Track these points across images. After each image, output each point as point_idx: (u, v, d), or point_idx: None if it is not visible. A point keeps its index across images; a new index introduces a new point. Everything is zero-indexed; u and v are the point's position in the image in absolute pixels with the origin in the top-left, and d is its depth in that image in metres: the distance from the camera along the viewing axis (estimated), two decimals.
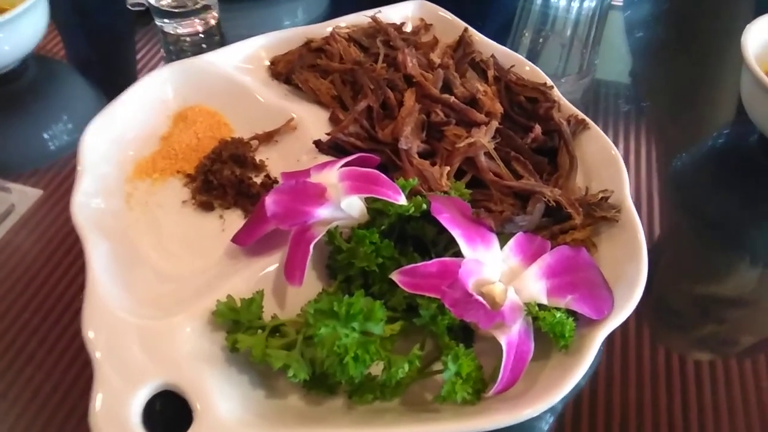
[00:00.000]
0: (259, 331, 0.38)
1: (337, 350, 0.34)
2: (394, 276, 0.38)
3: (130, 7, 0.73)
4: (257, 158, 0.52)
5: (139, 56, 0.70)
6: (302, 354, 0.36)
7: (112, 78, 0.67)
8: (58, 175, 0.55)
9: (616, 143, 0.52)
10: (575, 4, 0.80)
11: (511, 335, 0.37)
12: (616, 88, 0.67)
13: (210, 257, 0.45)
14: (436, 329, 0.37)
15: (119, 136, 0.52)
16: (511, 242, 0.41)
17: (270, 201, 0.41)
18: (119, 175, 0.50)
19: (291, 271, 0.41)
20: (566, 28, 0.79)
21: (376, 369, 0.37)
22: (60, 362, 0.42)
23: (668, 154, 0.59)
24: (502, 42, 0.61)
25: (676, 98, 0.67)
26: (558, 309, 0.38)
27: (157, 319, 0.39)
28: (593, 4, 0.79)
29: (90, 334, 0.37)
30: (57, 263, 0.48)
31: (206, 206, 0.49)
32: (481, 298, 0.37)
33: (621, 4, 0.80)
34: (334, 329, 0.34)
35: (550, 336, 0.38)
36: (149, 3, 0.69)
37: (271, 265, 0.43)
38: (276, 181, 0.50)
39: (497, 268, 0.40)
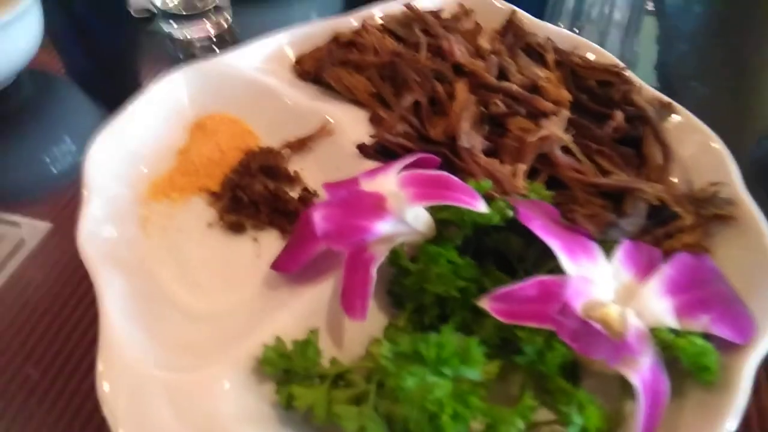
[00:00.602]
0: (318, 380, 0.31)
1: (430, 406, 0.26)
2: (485, 303, 0.30)
3: (134, 14, 0.66)
4: (291, 169, 0.45)
5: (146, 67, 0.63)
6: (376, 409, 0.28)
7: (116, 92, 0.60)
8: (68, 205, 0.48)
9: None
10: None
11: (642, 372, 0.29)
12: (664, 78, 0.60)
13: (246, 289, 0.37)
14: (545, 369, 0.29)
15: (130, 152, 0.44)
16: (619, 252, 0.33)
17: (319, 217, 0.34)
18: (132, 197, 0.43)
19: (351, 302, 0.33)
20: (603, 15, 0.71)
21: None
22: (75, 419, 0.35)
23: (745, 141, 0.51)
24: None
25: (734, 84, 0.59)
26: (692, 334, 0.30)
27: (188, 372, 0.31)
28: None
29: (106, 389, 0.30)
30: (68, 299, 0.42)
31: (237, 228, 0.41)
32: (599, 326, 0.29)
33: None
34: (423, 379, 0.26)
35: (690, 370, 0.30)
36: (155, 6, 0.62)
37: (323, 295, 0.35)
38: (316, 194, 0.43)
39: (609, 286, 0.32)
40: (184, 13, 0.62)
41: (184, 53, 0.63)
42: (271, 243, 0.40)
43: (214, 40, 0.63)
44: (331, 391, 0.29)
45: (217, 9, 0.63)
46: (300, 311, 0.34)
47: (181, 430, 0.28)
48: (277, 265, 0.37)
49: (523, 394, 0.29)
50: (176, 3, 0.62)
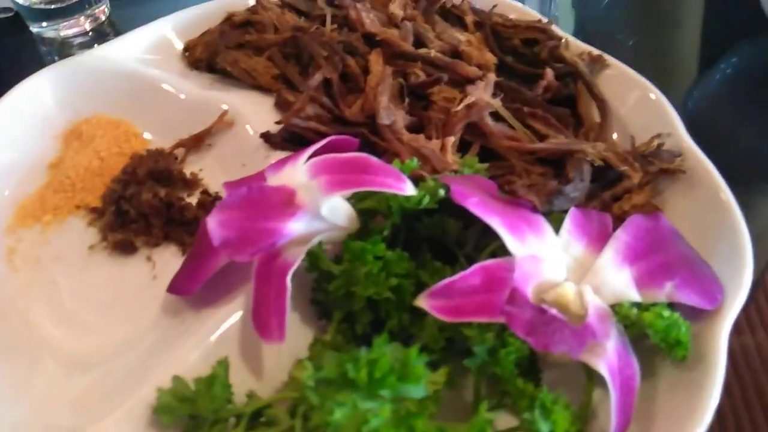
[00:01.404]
0: (233, 421, 0.25)
1: None
2: (422, 302, 0.26)
3: None
4: (187, 171, 0.39)
5: (15, 75, 0.55)
6: None
7: None
8: None
9: None
10: None
11: (609, 357, 0.25)
12: (592, 32, 0.57)
13: (140, 321, 0.31)
14: (501, 371, 0.25)
15: None
16: (567, 222, 0.29)
17: (214, 223, 0.28)
18: None
19: (265, 321, 0.27)
20: None
21: None
22: None
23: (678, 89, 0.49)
24: None
25: (663, 28, 0.57)
26: (658, 305, 0.27)
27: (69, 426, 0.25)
28: None
29: None
30: None
31: (125, 247, 0.35)
32: (556, 312, 0.25)
33: None
34: (355, 407, 0.21)
35: (660, 346, 0.26)
36: (17, 4, 0.53)
37: (231, 315, 0.29)
38: (218, 197, 0.37)
39: (560, 262, 0.28)
40: (52, 7, 0.54)
41: (59, 54, 0.55)
42: (168, 261, 0.34)
43: (92, 35, 0.55)
44: None
45: (92, 1, 0.55)
46: (204, 339, 0.28)
47: None
48: (175, 286, 0.31)
49: (478, 404, 0.24)
50: None
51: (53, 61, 0.54)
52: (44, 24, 0.55)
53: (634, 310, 0.26)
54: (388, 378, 0.22)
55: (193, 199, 0.37)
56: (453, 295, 0.26)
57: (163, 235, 0.35)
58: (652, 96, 0.38)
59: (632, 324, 0.26)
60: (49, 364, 0.29)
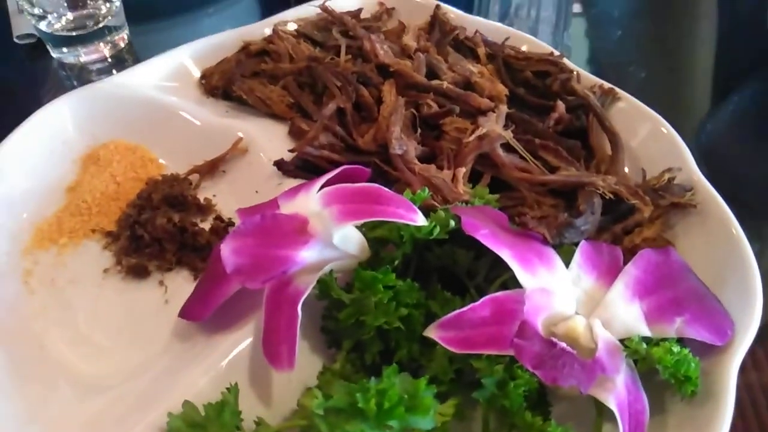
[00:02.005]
0: None
1: None
2: (432, 332, 0.26)
3: (17, 41, 0.59)
4: (201, 197, 0.39)
5: (36, 100, 0.56)
6: None
7: None
8: None
9: None
10: None
11: (618, 392, 0.25)
12: (603, 66, 0.58)
13: (152, 346, 0.32)
14: (509, 404, 0.25)
15: (6, 195, 0.38)
16: (578, 255, 0.29)
17: (228, 250, 0.28)
18: (12, 248, 0.36)
19: (274, 349, 0.28)
20: (530, 14, 0.69)
21: None
22: None
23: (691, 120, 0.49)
24: None
25: (675, 60, 0.58)
26: (668, 341, 0.27)
27: None
28: None
29: None
30: None
31: (139, 271, 0.35)
32: (566, 345, 0.25)
33: None
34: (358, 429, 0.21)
35: (669, 382, 0.26)
36: (40, 31, 0.55)
37: (242, 342, 0.29)
38: (231, 224, 0.37)
39: (570, 296, 0.28)
40: (74, 34, 0.55)
41: (78, 79, 0.56)
42: (180, 286, 0.35)
43: (111, 61, 0.57)
44: None
45: (114, 29, 0.56)
46: (214, 365, 0.28)
47: None
48: (186, 311, 0.32)
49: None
50: (63, 24, 0.55)
51: (73, 86, 0.55)
52: (65, 50, 0.56)
53: (644, 345, 0.26)
54: (397, 409, 0.22)
55: (206, 225, 0.38)
56: (463, 327, 0.26)
57: (176, 260, 0.36)
58: (664, 130, 0.38)
59: (642, 359, 0.26)
60: (62, 387, 0.30)
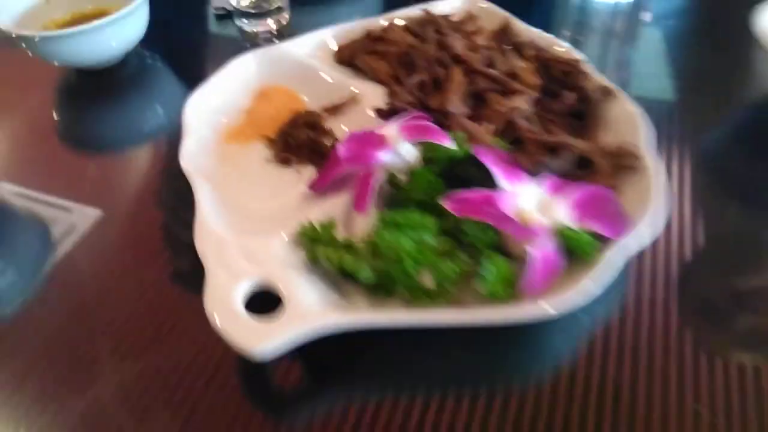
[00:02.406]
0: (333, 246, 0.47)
1: (398, 252, 0.42)
2: (444, 201, 0.46)
3: (214, 11, 0.85)
4: (327, 126, 0.62)
5: (221, 52, 0.82)
6: (368, 262, 0.45)
7: (199, 70, 0.79)
8: (119, 195, 0.60)
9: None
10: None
11: (538, 248, 0.44)
12: (652, 80, 0.73)
13: (291, 199, 0.54)
14: (479, 244, 0.45)
15: (214, 108, 0.62)
16: (544, 181, 0.48)
17: (342, 146, 0.50)
18: (215, 138, 0.60)
19: (359, 203, 0.49)
20: (604, 26, 0.85)
21: (429, 282, 0.45)
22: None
23: (699, 131, 0.64)
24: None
25: (702, 83, 0.72)
26: (584, 231, 0.46)
27: (252, 237, 0.48)
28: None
29: (199, 246, 0.47)
30: (116, 284, 0.52)
31: (286, 162, 0.58)
32: (515, 217, 0.45)
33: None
34: (395, 235, 0.43)
35: (576, 251, 0.45)
36: (233, 6, 0.80)
37: (341, 202, 0.51)
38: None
39: (531, 200, 0.47)
40: (253, 12, 0.80)
41: (251, 43, 0.81)
42: (308, 173, 0.57)
43: (275, 33, 0.81)
44: (339, 251, 0.46)
45: (279, 9, 0.80)
46: (325, 208, 0.50)
47: (248, 267, 0.45)
48: (312, 185, 0.54)
49: (458, 255, 0.45)
50: (248, 3, 0.80)
51: (246, 47, 0.79)
52: (245, 21, 0.81)
53: (569, 231, 0.45)
54: (416, 226, 0.43)
55: (328, 143, 0.60)
56: (463, 202, 0.46)
57: (308, 159, 0.58)
58: (633, 113, 0.56)
59: (564, 236, 0.45)
60: (240, 210, 0.53)
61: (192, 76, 0.76)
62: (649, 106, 0.57)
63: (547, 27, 0.68)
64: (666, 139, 0.63)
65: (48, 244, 0.56)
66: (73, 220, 0.58)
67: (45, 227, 0.58)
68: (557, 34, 0.67)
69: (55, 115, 0.73)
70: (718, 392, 0.43)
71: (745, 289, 0.50)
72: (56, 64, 0.75)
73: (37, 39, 0.69)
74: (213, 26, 0.85)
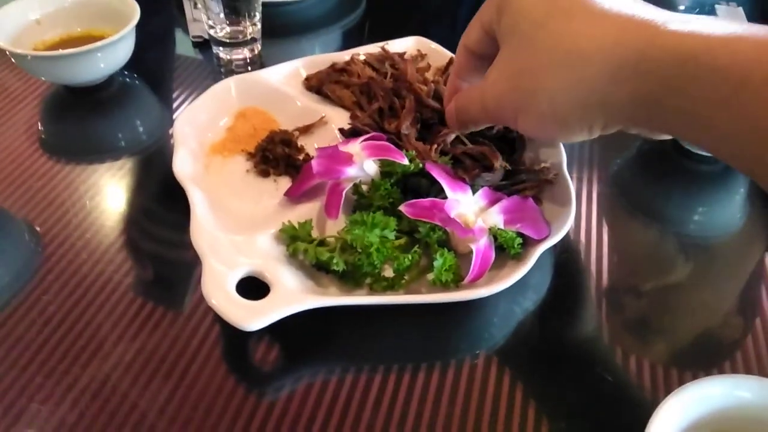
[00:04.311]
0: (309, 242, 0.57)
1: (365, 245, 0.52)
2: (402, 208, 0.57)
3: (192, 39, 0.94)
4: (299, 143, 0.72)
5: (199, 77, 0.90)
6: (339, 255, 0.55)
7: (178, 92, 0.87)
8: (107, 202, 0.68)
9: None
10: None
11: (479, 245, 0.56)
12: None
13: (270, 205, 0.64)
14: (430, 240, 0.56)
15: (200, 125, 0.71)
16: (480, 192, 0.60)
17: (315, 162, 0.61)
18: (201, 151, 0.69)
19: (329, 210, 0.60)
20: None
21: (389, 273, 0.55)
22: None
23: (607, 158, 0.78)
24: None
25: None
26: (512, 231, 0.57)
27: (240, 235, 0.57)
28: None
29: (195, 241, 0.56)
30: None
31: (264, 173, 0.68)
32: (458, 220, 0.56)
33: None
34: (363, 231, 0.53)
35: (506, 247, 0.57)
36: (210, 35, 0.89)
37: (314, 206, 0.62)
38: (312, 157, 0.70)
39: (471, 207, 0.59)
40: (229, 41, 0.89)
41: (226, 69, 0.90)
42: (285, 183, 0.66)
43: (248, 61, 0.91)
44: (316, 247, 0.56)
45: (254, 40, 0.90)
46: (300, 213, 0.60)
47: (239, 258, 0.54)
48: (288, 192, 0.64)
49: (414, 249, 0.56)
50: (223, 34, 0.89)
51: (221, 73, 0.89)
52: (221, 49, 0.90)
53: (500, 230, 0.57)
54: (379, 224, 0.53)
55: (300, 157, 0.70)
56: (417, 207, 0.57)
57: (284, 171, 0.68)
58: (554, 143, 0.69)
59: (498, 235, 0.57)
60: (227, 213, 0.62)
61: (171, 96, 0.85)
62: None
63: None
64: (580, 161, 0.76)
65: (36, 250, 0.63)
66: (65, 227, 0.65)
67: (35, 234, 0.65)
68: None
69: (41, 128, 0.80)
70: (618, 361, 0.55)
71: (639, 282, 0.63)
72: (44, 80, 0.82)
73: (29, 58, 0.77)
74: (191, 52, 0.94)
